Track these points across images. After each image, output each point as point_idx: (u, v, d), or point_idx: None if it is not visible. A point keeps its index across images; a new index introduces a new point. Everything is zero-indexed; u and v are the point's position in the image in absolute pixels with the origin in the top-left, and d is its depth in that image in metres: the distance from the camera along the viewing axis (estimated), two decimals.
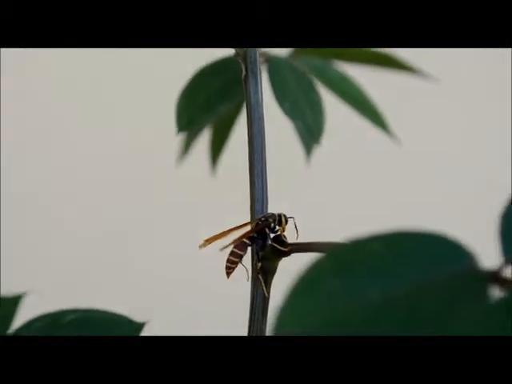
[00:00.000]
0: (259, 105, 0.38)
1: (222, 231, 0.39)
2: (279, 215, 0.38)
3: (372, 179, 1.02)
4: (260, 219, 0.38)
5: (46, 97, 1.06)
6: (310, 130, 0.44)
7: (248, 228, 0.38)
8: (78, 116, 1.06)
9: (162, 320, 0.50)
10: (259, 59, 0.39)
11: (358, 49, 0.52)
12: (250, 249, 0.38)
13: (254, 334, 0.37)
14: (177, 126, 0.44)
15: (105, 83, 1.04)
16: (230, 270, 0.38)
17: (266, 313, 0.37)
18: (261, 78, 0.39)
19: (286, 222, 0.38)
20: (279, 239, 0.37)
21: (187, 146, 0.51)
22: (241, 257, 0.38)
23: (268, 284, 0.37)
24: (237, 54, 0.40)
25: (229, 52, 0.48)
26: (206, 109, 0.44)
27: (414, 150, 0.89)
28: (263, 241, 0.38)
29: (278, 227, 0.38)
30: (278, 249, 0.37)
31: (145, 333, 0.40)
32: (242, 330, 0.37)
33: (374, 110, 0.50)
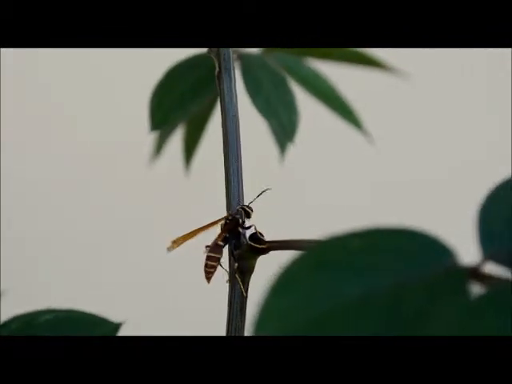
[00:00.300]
0: (233, 102, 0.38)
1: (189, 231, 0.39)
2: (242, 208, 0.38)
3: (347, 176, 1.02)
4: (227, 218, 0.38)
5: (45, 97, 1.05)
6: (284, 129, 0.44)
7: (217, 226, 0.38)
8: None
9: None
10: (232, 56, 0.39)
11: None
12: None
13: (232, 333, 0.36)
14: (150, 124, 0.43)
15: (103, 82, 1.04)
16: (209, 274, 0.37)
17: (245, 311, 0.37)
18: (234, 76, 0.38)
19: (252, 211, 0.38)
20: (256, 237, 0.37)
21: (160, 145, 0.50)
22: (218, 259, 0.37)
23: (246, 283, 0.37)
24: (210, 51, 0.40)
25: (201, 49, 0.48)
26: (180, 106, 0.43)
27: (390, 149, 0.89)
28: (237, 239, 0.38)
29: (246, 221, 0.38)
30: (255, 247, 0.36)
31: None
32: (221, 329, 0.37)
33: (348, 107, 0.50)
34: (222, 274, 0.38)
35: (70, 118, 1.06)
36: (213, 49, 0.40)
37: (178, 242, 0.39)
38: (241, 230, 0.38)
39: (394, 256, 0.28)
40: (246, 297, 0.37)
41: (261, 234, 0.37)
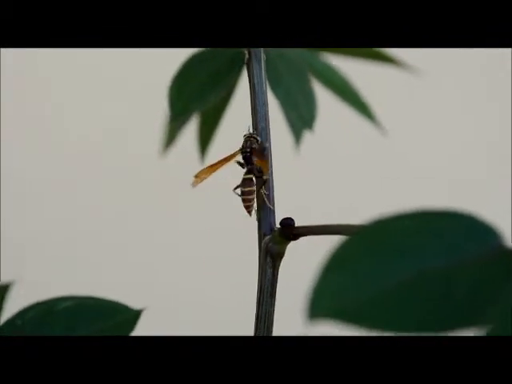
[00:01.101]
0: (263, 89, 0.38)
1: (209, 165, 0.40)
2: (251, 136, 0.39)
3: (360, 167, 1.03)
4: (243, 150, 0.39)
5: (46, 97, 1.05)
6: (303, 119, 0.45)
7: (235, 158, 0.40)
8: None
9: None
10: None
11: None
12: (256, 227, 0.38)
13: (262, 317, 0.36)
14: (169, 113, 0.43)
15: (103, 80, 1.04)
16: (249, 208, 0.38)
17: (275, 296, 0.37)
18: (264, 64, 0.39)
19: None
20: (286, 222, 0.37)
21: (173, 136, 0.50)
22: (252, 192, 0.38)
23: (276, 268, 0.37)
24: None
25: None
26: (199, 96, 0.43)
27: (402, 143, 0.90)
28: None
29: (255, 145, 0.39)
30: (286, 232, 0.37)
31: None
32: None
33: (361, 99, 0.50)
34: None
35: (74, 114, 1.05)
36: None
37: (200, 177, 0.40)
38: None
39: (446, 238, 0.28)
40: (276, 282, 0.37)
41: (291, 218, 0.37)
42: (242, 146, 0.39)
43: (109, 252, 1.04)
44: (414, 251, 0.28)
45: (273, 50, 0.46)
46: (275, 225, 0.38)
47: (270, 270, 0.37)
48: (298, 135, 0.47)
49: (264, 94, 0.38)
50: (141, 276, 1.03)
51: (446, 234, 0.28)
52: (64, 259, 1.04)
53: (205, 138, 0.49)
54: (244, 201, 0.39)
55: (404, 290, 0.27)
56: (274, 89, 0.44)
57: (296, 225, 0.37)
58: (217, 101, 0.44)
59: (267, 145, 0.38)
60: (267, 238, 0.37)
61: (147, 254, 1.04)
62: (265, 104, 0.38)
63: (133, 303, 0.39)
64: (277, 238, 0.37)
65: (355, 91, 0.51)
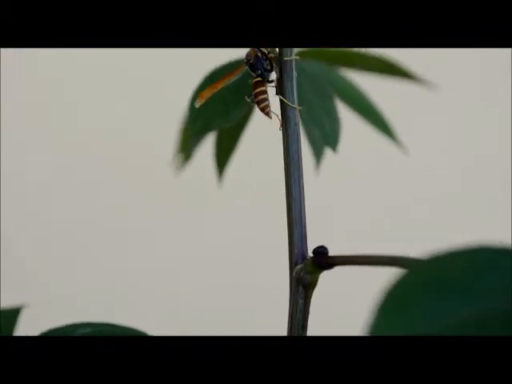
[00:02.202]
0: (295, 110, 0.37)
1: (213, 83, 0.40)
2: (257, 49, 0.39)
3: (378, 186, 1.02)
4: (247, 60, 0.39)
5: (46, 97, 1.03)
6: (327, 138, 0.43)
7: (238, 72, 0.40)
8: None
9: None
10: (294, 63, 0.37)
11: (362, 55, 0.51)
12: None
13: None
14: (191, 130, 0.42)
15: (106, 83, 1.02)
16: (266, 108, 0.38)
17: (306, 327, 0.35)
18: (296, 81, 0.37)
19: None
20: (320, 251, 0.35)
21: (190, 152, 0.49)
22: (264, 92, 0.38)
23: (308, 298, 0.35)
24: (274, 52, 0.38)
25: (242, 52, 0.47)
26: (223, 113, 0.42)
27: (421, 160, 0.89)
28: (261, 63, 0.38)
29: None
30: (319, 261, 0.35)
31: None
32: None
33: (381, 116, 0.49)
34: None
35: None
36: (270, 51, 0.38)
37: (204, 96, 0.39)
38: (262, 56, 0.38)
39: (503, 276, 0.27)
40: (308, 312, 0.36)
41: (324, 247, 0.36)
42: (244, 59, 0.39)
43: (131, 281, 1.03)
44: (474, 289, 0.27)
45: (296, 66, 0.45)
46: (307, 253, 0.36)
47: (301, 301, 0.35)
48: (319, 154, 0.46)
49: (296, 115, 0.37)
50: (165, 304, 1.01)
51: (504, 271, 0.27)
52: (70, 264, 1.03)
53: (223, 158, 0.47)
54: (258, 103, 0.38)
55: (466, 330, 0.26)
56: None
57: (329, 254, 0.35)
58: (239, 118, 0.42)
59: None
60: (299, 266, 0.36)
61: (171, 280, 1.02)
62: (297, 125, 0.37)
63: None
64: (309, 267, 0.35)
65: (375, 107, 0.49)
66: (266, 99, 0.38)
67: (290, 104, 0.37)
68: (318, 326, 0.39)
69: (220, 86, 0.40)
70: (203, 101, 0.40)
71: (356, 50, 0.51)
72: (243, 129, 0.46)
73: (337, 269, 0.35)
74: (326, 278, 0.36)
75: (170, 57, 0.93)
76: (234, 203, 0.98)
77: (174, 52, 0.75)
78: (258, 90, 0.38)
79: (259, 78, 0.38)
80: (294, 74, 0.37)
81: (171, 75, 0.98)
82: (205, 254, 1.01)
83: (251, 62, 0.38)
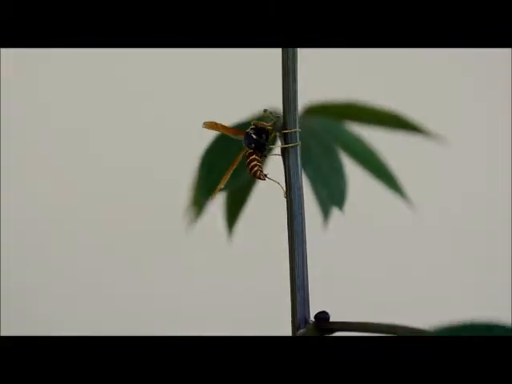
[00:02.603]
0: (298, 176, 0.38)
1: (223, 126, 0.40)
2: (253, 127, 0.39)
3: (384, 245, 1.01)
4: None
5: (46, 97, 1.04)
6: (334, 197, 0.44)
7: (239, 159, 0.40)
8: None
9: None
10: (299, 131, 0.38)
11: (370, 109, 0.51)
12: None
13: None
14: (201, 192, 0.43)
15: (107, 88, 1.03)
16: (256, 173, 0.39)
17: None
18: (300, 150, 0.38)
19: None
20: (321, 316, 0.36)
21: (201, 209, 0.49)
22: (254, 160, 0.39)
23: None
24: (272, 124, 0.39)
25: (250, 114, 0.47)
26: (232, 174, 0.43)
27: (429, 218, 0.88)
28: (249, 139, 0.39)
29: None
30: (321, 326, 0.36)
31: None
32: None
33: (390, 173, 0.50)
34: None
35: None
36: (274, 118, 0.39)
37: (210, 126, 0.40)
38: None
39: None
40: None
41: (326, 312, 0.36)
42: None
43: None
44: None
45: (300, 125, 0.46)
46: (309, 317, 0.37)
47: None
48: (326, 212, 0.47)
49: (299, 179, 0.37)
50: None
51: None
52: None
53: (232, 215, 0.48)
54: (250, 169, 0.39)
55: None
56: (304, 166, 0.44)
57: (331, 319, 0.36)
58: (245, 181, 0.43)
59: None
60: (301, 331, 0.36)
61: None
62: (300, 189, 0.37)
63: None
64: (311, 331, 0.36)
65: (383, 163, 0.50)
66: (257, 165, 0.39)
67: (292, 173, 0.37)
68: None
69: (224, 131, 0.41)
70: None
71: (364, 103, 0.52)
72: (251, 189, 0.47)
73: None
74: None
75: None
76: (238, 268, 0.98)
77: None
78: (248, 159, 0.39)
79: (250, 151, 0.39)
80: (299, 140, 0.38)
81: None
82: (207, 315, 1.01)
83: (245, 140, 0.39)
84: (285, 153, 0.38)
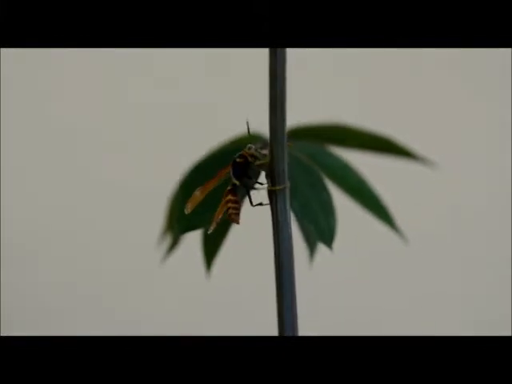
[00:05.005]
0: (288, 222, 0.34)
1: (200, 188, 0.38)
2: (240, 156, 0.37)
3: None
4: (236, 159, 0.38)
5: (47, 97, 1.00)
6: (322, 234, 0.40)
7: (224, 175, 0.38)
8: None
9: None
10: (287, 170, 0.34)
11: (355, 132, 0.48)
12: None
13: None
14: (177, 228, 0.39)
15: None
16: (232, 216, 0.37)
17: None
18: (289, 193, 0.34)
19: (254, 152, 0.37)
20: None
21: (175, 242, 0.46)
22: (234, 201, 0.37)
23: None
24: (259, 163, 0.36)
25: (223, 142, 0.44)
26: (209, 208, 0.39)
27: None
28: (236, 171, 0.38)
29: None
30: None
31: None
32: None
33: (379, 203, 0.46)
34: None
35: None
36: (258, 155, 0.36)
37: (193, 202, 0.38)
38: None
39: None
40: None
41: None
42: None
43: None
44: None
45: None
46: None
47: None
48: (312, 250, 0.43)
49: (289, 226, 0.34)
50: None
51: None
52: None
53: (211, 250, 0.44)
54: (227, 210, 0.37)
55: None
56: (290, 202, 0.40)
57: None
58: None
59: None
60: None
61: None
62: (290, 238, 0.34)
63: None
64: None
65: (373, 192, 0.46)
66: (232, 207, 0.37)
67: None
68: None
69: (210, 188, 0.39)
70: (193, 206, 0.38)
71: (349, 125, 0.49)
72: (230, 225, 0.43)
73: None
74: None
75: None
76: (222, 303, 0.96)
77: None
78: (226, 198, 0.37)
79: (230, 187, 0.37)
80: (287, 181, 0.34)
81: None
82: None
83: (232, 167, 0.38)
84: (272, 195, 0.35)
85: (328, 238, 0.40)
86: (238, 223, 0.37)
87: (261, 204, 0.37)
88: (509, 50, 0.92)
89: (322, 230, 0.40)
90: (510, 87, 0.96)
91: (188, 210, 0.38)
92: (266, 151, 0.37)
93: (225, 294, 0.96)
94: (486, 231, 0.99)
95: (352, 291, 0.97)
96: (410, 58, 0.97)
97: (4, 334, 0.93)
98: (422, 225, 0.93)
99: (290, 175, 0.42)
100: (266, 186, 0.37)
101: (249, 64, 0.84)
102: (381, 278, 0.97)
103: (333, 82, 0.98)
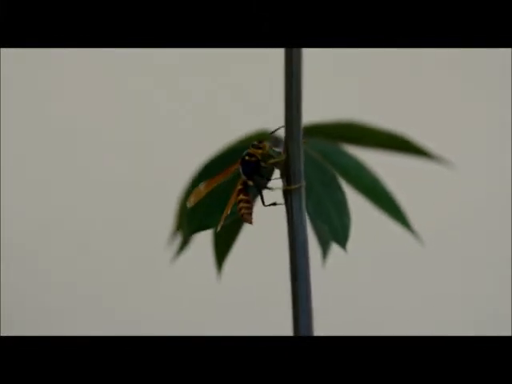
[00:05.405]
0: (303, 226, 0.33)
1: (204, 183, 0.38)
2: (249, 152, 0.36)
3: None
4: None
5: (47, 97, 1.00)
6: (336, 234, 0.39)
7: (231, 172, 0.38)
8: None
9: None
10: (303, 169, 0.33)
11: (369, 130, 0.47)
12: None
13: None
14: (187, 228, 0.38)
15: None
16: (244, 216, 0.36)
17: None
18: (305, 194, 0.33)
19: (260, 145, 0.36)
20: None
21: (186, 243, 0.44)
22: (246, 201, 0.36)
23: None
24: (273, 162, 0.34)
25: (232, 142, 0.43)
26: (220, 208, 0.38)
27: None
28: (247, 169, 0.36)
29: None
30: None
31: None
32: None
33: (394, 203, 0.45)
34: None
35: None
36: (274, 154, 0.35)
37: (196, 196, 0.37)
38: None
39: None
40: None
41: None
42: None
43: None
44: None
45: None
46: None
47: None
48: (325, 248, 0.42)
49: (304, 230, 0.33)
50: None
51: None
52: None
53: (221, 250, 0.43)
54: (238, 210, 0.36)
55: None
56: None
57: None
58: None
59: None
60: None
61: None
62: (305, 242, 0.33)
63: None
64: None
65: (387, 191, 0.45)
66: (244, 207, 0.36)
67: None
68: None
69: (214, 184, 0.38)
70: (196, 200, 0.37)
71: (363, 124, 0.48)
72: (241, 225, 0.42)
73: None
74: None
75: None
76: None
77: None
78: (238, 198, 0.36)
79: (241, 186, 0.36)
80: (303, 181, 0.33)
81: None
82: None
83: (241, 165, 0.36)
84: (287, 195, 0.33)
85: (342, 238, 0.39)
86: (251, 223, 0.36)
87: (274, 204, 0.36)
88: (509, 49, 0.91)
89: (335, 230, 0.39)
90: (509, 87, 0.95)
91: (190, 203, 0.37)
92: (278, 149, 0.36)
93: (236, 295, 0.95)
94: (486, 231, 0.98)
95: (363, 291, 0.96)
96: (410, 58, 0.96)
97: (4, 334, 0.92)
98: (422, 225, 0.92)
99: (304, 174, 0.40)
100: (278, 184, 0.35)
101: (249, 64, 0.83)
102: (392, 279, 0.96)
103: (333, 82, 0.97)
